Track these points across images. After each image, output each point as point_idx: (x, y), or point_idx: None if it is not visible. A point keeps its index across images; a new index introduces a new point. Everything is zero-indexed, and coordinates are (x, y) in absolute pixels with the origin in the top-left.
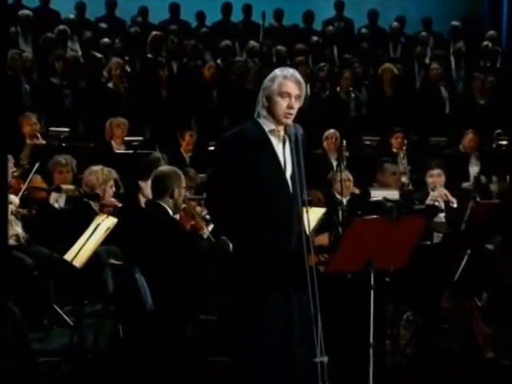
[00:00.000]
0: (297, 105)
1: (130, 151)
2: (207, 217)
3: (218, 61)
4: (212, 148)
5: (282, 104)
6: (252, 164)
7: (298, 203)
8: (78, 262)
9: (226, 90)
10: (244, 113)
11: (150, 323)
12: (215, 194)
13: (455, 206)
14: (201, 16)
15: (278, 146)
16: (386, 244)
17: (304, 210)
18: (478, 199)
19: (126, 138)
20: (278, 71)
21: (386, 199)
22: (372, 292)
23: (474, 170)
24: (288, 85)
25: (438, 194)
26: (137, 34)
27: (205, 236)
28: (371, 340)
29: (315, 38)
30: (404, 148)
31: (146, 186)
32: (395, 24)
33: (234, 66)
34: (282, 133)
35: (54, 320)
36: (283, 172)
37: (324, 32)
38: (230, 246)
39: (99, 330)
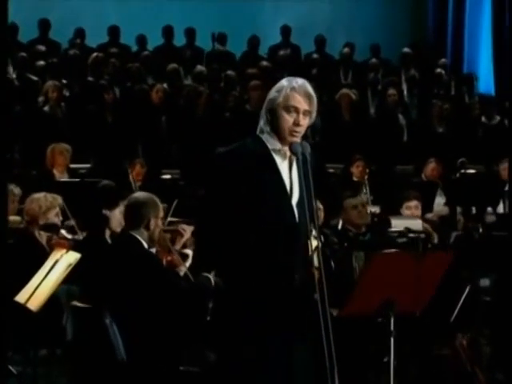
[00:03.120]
0: (305, 121)
1: (76, 179)
2: (184, 251)
3: (164, 85)
4: (166, 176)
5: (288, 120)
6: (251, 187)
7: (305, 235)
8: (34, 305)
9: (176, 115)
10: (196, 140)
11: (122, 375)
12: (206, 220)
13: (436, 241)
14: (142, 39)
15: (283, 167)
16: (407, 283)
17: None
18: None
19: (72, 166)
20: (284, 81)
21: (407, 229)
22: (392, 340)
23: (438, 200)
24: (296, 98)
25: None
26: (75, 56)
27: (181, 273)
28: None
29: (265, 63)
30: (366, 177)
31: (113, 217)
32: (346, 50)
33: (183, 91)
34: (288, 152)
35: None
36: (289, 198)
37: (273, 57)
38: (213, 283)
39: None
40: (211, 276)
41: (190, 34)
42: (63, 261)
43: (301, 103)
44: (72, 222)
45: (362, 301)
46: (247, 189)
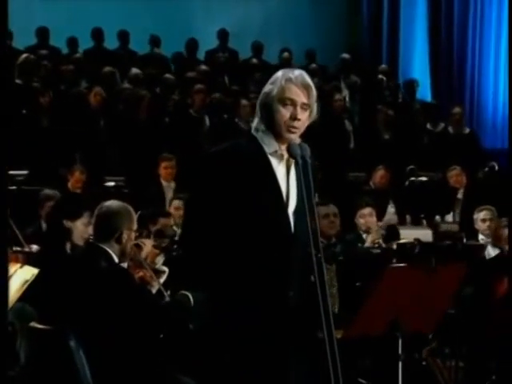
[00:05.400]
0: (304, 116)
1: (13, 187)
2: (157, 266)
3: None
4: (110, 183)
5: (284, 114)
6: (243, 193)
7: (302, 247)
8: None
9: (115, 119)
10: (138, 145)
11: None
12: (192, 227)
13: (395, 247)
14: (72, 42)
15: (279, 171)
16: (418, 300)
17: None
18: None
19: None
20: (280, 73)
21: (417, 240)
22: (400, 364)
23: (388, 208)
24: (292, 89)
25: (378, 236)
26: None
27: (154, 290)
28: None
29: (204, 67)
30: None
31: (75, 228)
32: (285, 54)
33: (121, 94)
34: (285, 154)
35: None
36: (285, 205)
37: (212, 61)
38: (192, 302)
39: None
40: (190, 294)
41: (123, 36)
42: (18, 277)
43: (298, 95)
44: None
45: (368, 320)
46: (238, 195)
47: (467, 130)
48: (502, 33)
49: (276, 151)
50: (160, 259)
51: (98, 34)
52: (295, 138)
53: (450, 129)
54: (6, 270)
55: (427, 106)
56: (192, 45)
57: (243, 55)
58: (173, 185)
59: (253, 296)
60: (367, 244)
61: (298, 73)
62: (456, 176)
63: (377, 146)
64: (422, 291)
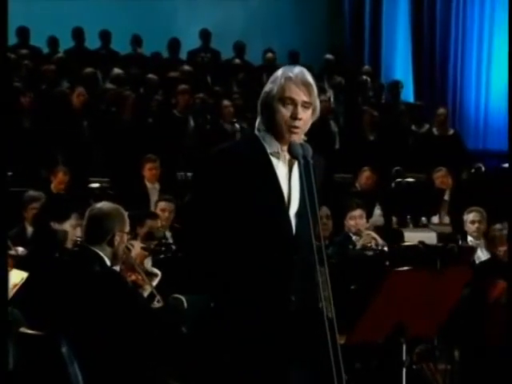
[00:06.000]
0: (306, 115)
1: None
2: (152, 270)
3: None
4: (95, 185)
5: (285, 114)
6: (243, 194)
7: (304, 249)
8: None
9: (98, 120)
10: (123, 146)
11: None
12: (193, 229)
13: (386, 249)
14: (53, 41)
15: (281, 172)
16: (422, 304)
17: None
18: None
19: None
20: (280, 71)
21: (421, 243)
22: (404, 370)
23: (375, 210)
24: (292, 88)
25: (369, 238)
26: None
27: (145, 293)
28: None
29: (187, 67)
30: None
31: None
32: (269, 55)
33: (105, 95)
34: (286, 154)
35: None
36: (286, 207)
37: (194, 61)
38: (186, 305)
39: None
40: (183, 297)
41: (105, 36)
42: None
43: (298, 94)
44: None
45: (372, 325)
46: (239, 196)
47: (451, 131)
48: (483, 34)
49: (277, 151)
50: (148, 261)
51: (79, 34)
52: (297, 138)
53: (435, 130)
54: (6, 271)
55: (412, 107)
56: (174, 45)
57: (225, 55)
58: (157, 186)
59: (254, 298)
60: (358, 246)
61: (297, 71)
62: (442, 177)
63: (362, 147)
64: (427, 295)
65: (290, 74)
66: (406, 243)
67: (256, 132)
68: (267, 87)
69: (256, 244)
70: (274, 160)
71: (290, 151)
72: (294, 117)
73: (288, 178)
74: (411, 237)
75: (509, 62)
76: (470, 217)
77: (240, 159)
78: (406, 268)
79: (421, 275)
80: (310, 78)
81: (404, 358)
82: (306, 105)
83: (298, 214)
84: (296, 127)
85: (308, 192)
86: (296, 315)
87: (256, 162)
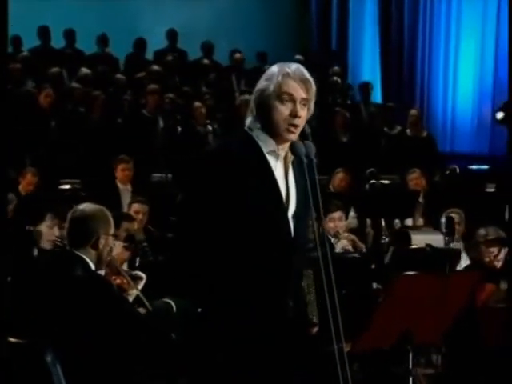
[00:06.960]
0: (304, 113)
1: None
2: (137, 273)
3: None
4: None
5: (283, 111)
6: (239, 195)
7: (303, 252)
8: None
9: (67, 120)
10: (92, 146)
11: None
12: (187, 232)
13: (364, 251)
14: (16, 40)
15: (277, 172)
16: (428, 309)
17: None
18: None
19: None
20: (275, 67)
21: (429, 246)
22: (411, 380)
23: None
24: (290, 84)
25: (347, 240)
26: None
27: (131, 297)
28: None
29: (156, 67)
30: None
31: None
32: (238, 55)
33: (72, 94)
34: (283, 153)
35: None
36: (284, 208)
37: (161, 61)
38: (175, 310)
39: None
40: (172, 301)
41: (70, 35)
42: None
43: (297, 90)
44: None
45: (378, 333)
46: (234, 197)
47: (425, 133)
48: (450, 35)
49: (274, 151)
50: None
51: (44, 33)
52: (294, 137)
53: (408, 131)
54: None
55: (382, 109)
56: (140, 44)
57: (192, 56)
58: (129, 187)
59: (251, 299)
60: (338, 249)
61: (295, 67)
62: (416, 179)
63: (335, 148)
64: (435, 300)
65: (288, 70)
66: (413, 246)
67: (247, 131)
68: (261, 85)
69: (253, 246)
70: (270, 159)
71: (292, 150)
72: (294, 114)
73: (285, 177)
74: (418, 239)
75: (509, 62)
76: None
77: (236, 159)
78: (413, 273)
79: (430, 279)
80: (308, 75)
81: (411, 366)
82: (304, 102)
83: (296, 216)
84: (295, 125)
85: (311, 192)
86: (292, 323)
87: (251, 161)
